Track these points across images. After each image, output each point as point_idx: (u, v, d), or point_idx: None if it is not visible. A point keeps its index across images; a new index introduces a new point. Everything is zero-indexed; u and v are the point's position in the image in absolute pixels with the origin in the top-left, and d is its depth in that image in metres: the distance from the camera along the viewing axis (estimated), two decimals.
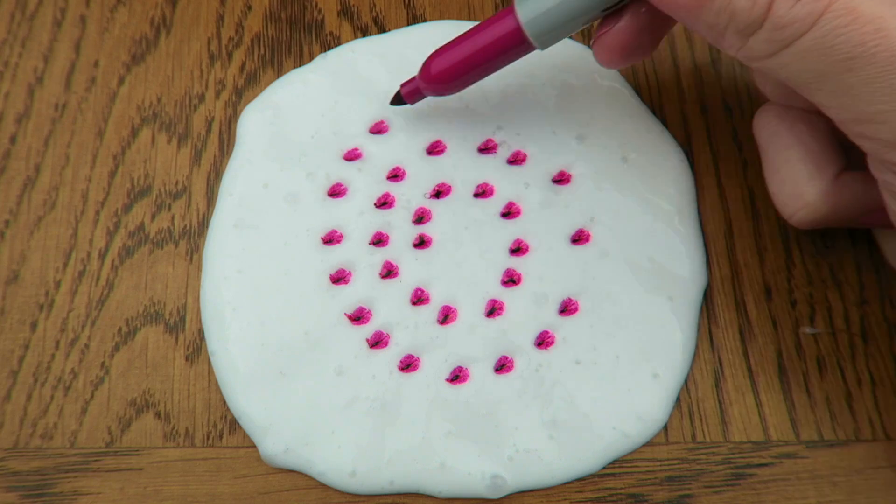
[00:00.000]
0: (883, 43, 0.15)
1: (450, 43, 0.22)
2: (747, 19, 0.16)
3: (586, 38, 0.28)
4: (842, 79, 0.15)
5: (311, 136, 0.26)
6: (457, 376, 0.23)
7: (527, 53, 0.21)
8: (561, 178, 0.25)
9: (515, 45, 0.21)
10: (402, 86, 0.24)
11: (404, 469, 0.22)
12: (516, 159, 0.25)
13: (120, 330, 0.24)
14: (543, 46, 0.21)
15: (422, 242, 0.25)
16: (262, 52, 0.28)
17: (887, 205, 0.18)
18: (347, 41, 0.27)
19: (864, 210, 0.19)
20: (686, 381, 0.23)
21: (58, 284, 0.25)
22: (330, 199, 0.25)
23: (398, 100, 0.24)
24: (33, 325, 0.24)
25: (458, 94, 0.26)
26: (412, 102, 0.24)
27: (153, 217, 0.25)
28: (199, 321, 0.24)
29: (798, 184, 0.20)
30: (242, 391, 0.23)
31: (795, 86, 0.17)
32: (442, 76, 0.22)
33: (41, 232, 0.25)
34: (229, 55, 0.28)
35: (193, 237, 0.25)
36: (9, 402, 0.23)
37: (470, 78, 0.22)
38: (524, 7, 0.20)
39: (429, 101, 0.26)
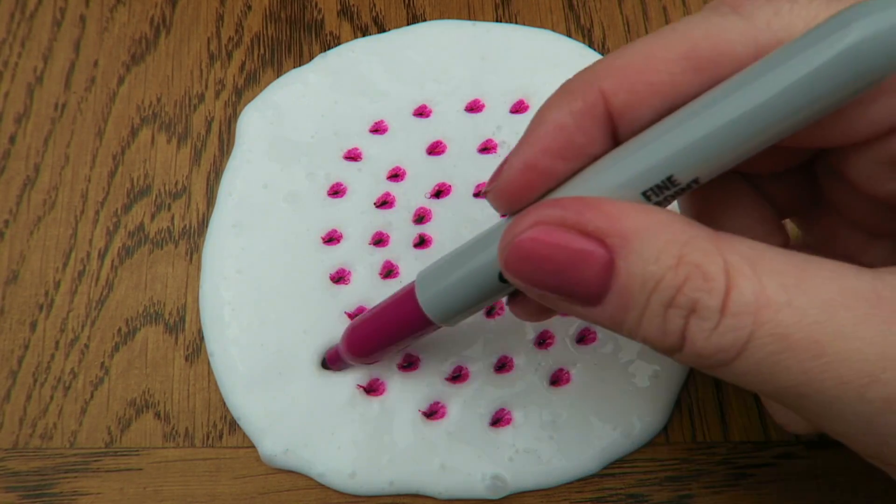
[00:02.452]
0: (828, 371, 0.13)
1: (364, 320, 0.22)
2: (662, 346, 0.14)
3: (587, 38, 0.28)
4: (797, 402, 0.13)
5: (311, 136, 0.26)
6: (457, 376, 0.23)
7: (440, 328, 0.20)
8: None
9: (420, 323, 0.19)
10: (328, 354, 0.23)
11: (404, 470, 0.22)
12: None
13: (120, 330, 0.24)
14: (450, 324, 0.19)
15: (422, 242, 0.25)
16: (262, 51, 0.28)
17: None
18: (347, 41, 0.27)
19: None
20: (686, 381, 0.23)
21: (57, 284, 0.25)
22: (330, 198, 0.25)
23: (325, 365, 0.23)
24: (33, 326, 0.24)
25: (457, 94, 0.26)
26: (336, 370, 0.23)
27: (153, 217, 0.25)
28: (199, 321, 0.24)
29: (789, 414, 0.19)
30: (242, 392, 0.23)
31: None
32: (359, 349, 0.22)
33: (41, 232, 0.25)
34: (229, 55, 0.28)
35: (193, 237, 0.25)
36: (8, 403, 0.23)
37: (385, 352, 0.22)
38: (424, 291, 0.19)
39: (428, 99, 0.26)
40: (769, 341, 0.13)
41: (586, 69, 0.15)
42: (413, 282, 0.19)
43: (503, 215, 0.18)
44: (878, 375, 0.12)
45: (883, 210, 0.16)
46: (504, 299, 0.19)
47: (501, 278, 0.17)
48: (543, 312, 0.19)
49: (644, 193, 0.14)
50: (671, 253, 0.13)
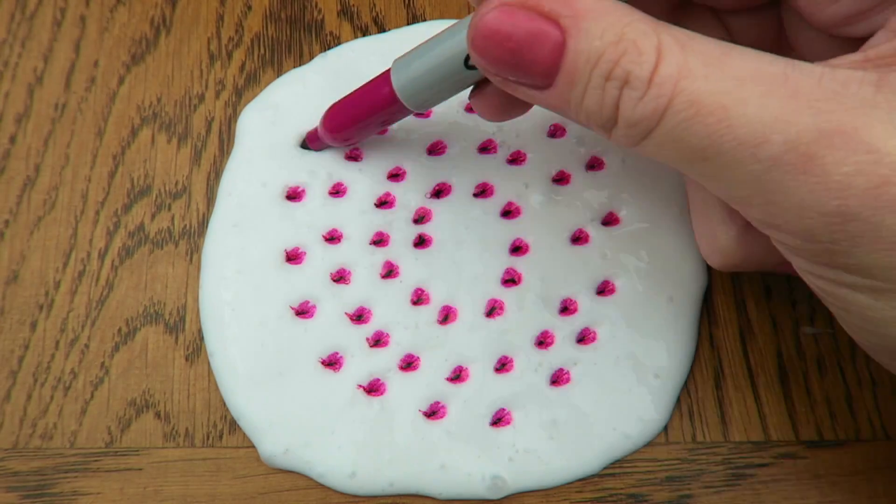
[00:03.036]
0: (728, 133, 0.14)
1: (341, 99, 0.23)
2: (600, 119, 0.16)
3: None
4: (701, 167, 0.15)
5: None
6: (457, 376, 0.23)
7: (409, 114, 0.22)
8: (561, 178, 0.25)
9: (392, 106, 0.22)
10: (308, 134, 0.25)
11: (404, 470, 0.22)
12: (516, 159, 0.25)
13: (120, 330, 0.24)
14: (420, 110, 0.21)
15: (422, 242, 0.25)
16: (262, 52, 0.28)
17: (790, 260, 0.18)
18: (347, 41, 0.27)
19: (779, 260, 0.19)
20: (686, 381, 0.23)
21: (57, 284, 0.25)
22: (330, 198, 0.25)
23: (304, 145, 0.25)
24: (33, 325, 0.24)
25: (457, 96, 0.26)
26: (316, 149, 0.25)
27: (153, 217, 0.25)
28: (199, 321, 0.24)
29: (712, 226, 0.20)
30: (241, 392, 0.23)
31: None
32: (334, 129, 0.24)
33: (41, 232, 0.25)
34: (229, 55, 0.28)
35: (193, 237, 0.25)
36: (8, 403, 0.23)
37: (359, 133, 0.24)
38: (398, 74, 0.21)
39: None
40: (683, 107, 0.14)
41: None
42: (389, 67, 0.21)
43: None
44: (769, 136, 0.14)
45: (836, 49, 0.18)
46: (468, 94, 0.21)
47: (466, 64, 0.19)
48: (503, 110, 0.20)
49: None
50: (613, 31, 0.15)
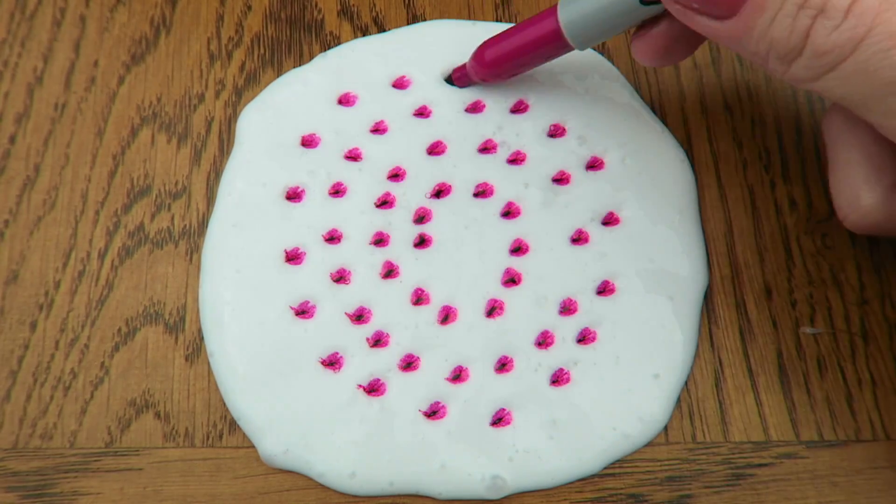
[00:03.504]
0: None
1: (499, 35, 0.24)
2: (786, 47, 0.16)
3: None
4: (888, 102, 0.15)
5: (311, 136, 0.26)
6: (457, 376, 0.23)
7: (568, 52, 0.23)
8: (561, 178, 0.25)
9: (555, 43, 0.22)
10: (455, 70, 0.26)
11: (404, 470, 0.22)
12: (516, 159, 0.25)
13: (120, 330, 0.24)
14: (581, 48, 0.22)
15: (422, 242, 0.25)
16: (262, 51, 0.28)
17: None
18: (347, 41, 0.27)
19: None
20: (686, 382, 0.23)
21: (57, 284, 0.25)
22: (330, 198, 0.25)
23: (450, 80, 0.26)
24: (33, 325, 0.24)
25: (457, 95, 0.26)
26: (461, 86, 0.26)
27: (153, 217, 0.25)
28: (199, 321, 0.24)
29: (855, 187, 0.20)
30: (241, 392, 0.23)
31: (846, 106, 0.17)
32: (490, 64, 0.24)
33: (41, 232, 0.25)
34: (229, 55, 0.28)
35: (193, 237, 0.25)
36: (8, 403, 0.23)
37: (514, 69, 0.24)
38: (565, 10, 0.21)
39: (428, 99, 0.26)
40: (882, 38, 0.14)
41: None
42: (554, 6, 0.22)
43: None
44: None
45: None
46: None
47: (642, 0, 0.19)
48: (665, 53, 0.21)
49: None
50: None
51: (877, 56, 0.15)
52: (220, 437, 0.23)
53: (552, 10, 0.22)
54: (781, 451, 0.23)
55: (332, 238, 0.25)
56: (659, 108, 0.27)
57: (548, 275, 0.24)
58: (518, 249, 0.24)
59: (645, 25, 0.21)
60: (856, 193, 0.20)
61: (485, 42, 0.24)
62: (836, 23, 0.15)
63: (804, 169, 0.26)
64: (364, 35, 0.28)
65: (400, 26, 0.28)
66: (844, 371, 0.23)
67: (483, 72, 0.24)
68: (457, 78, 0.26)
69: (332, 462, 0.22)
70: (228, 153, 0.26)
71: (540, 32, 0.22)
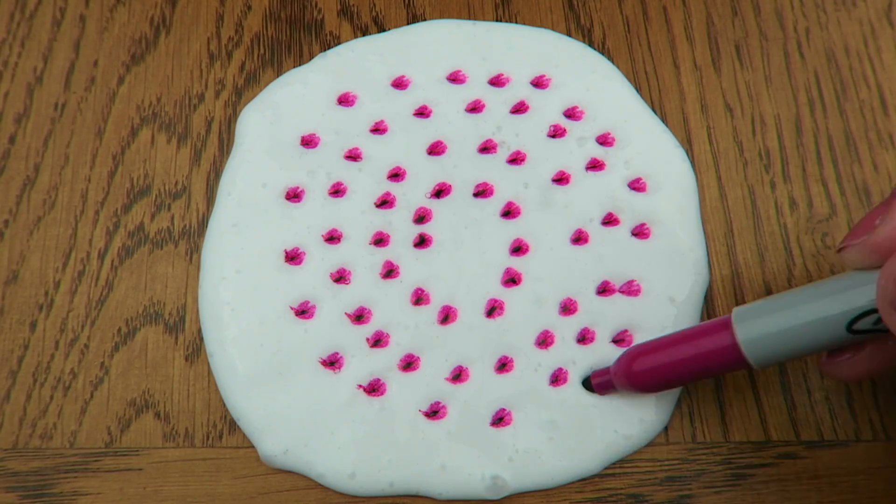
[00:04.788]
0: None
1: (655, 343, 0.21)
2: None
3: (587, 38, 0.28)
4: None
5: (311, 136, 0.26)
6: (457, 376, 0.23)
7: (742, 368, 0.19)
8: (561, 179, 0.25)
9: (732, 362, 0.19)
10: (594, 375, 0.22)
11: (404, 470, 0.22)
12: (516, 159, 0.25)
13: (119, 330, 0.24)
14: (763, 367, 0.19)
15: (422, 242, 0.25)
16: (262, 51, 0.28)
17: None
18: (347, 41, 0.27)
19: None
20: None
21: (57, 284, 0.25)
22: (330, 198, 0.25)
23: (588, 385, 0.23)
24: (33, 326, 0.24)
25: (457, 95, 0.26)
26: (601, 394, 0.22)
27: (153, 217, 0.25)
28: (199, 321, 0.24)
29: None
30: (241, 392, 0.23)
31: None
32: (644, 378, 0.21)
33: (41, 232, 0.25)
34: (229, 55, 0.28)
35: (193, 237, 0.25)
36: (8, 403, 0.23)
37: (671, 384, 0.21)
38: (744, 326, 0.18)
39: (428, 99, 0.26)
40: None
41: None
42: (726, 317, 0.19)
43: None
44: None
45: None
46: (823, 357, 0.19)
47: (851, 328, 0.17)
48: (869, 373, 0.18)
49: None
50: None
51: None
52: (220, 437, 0.23)
53: (724, 326, 0.18)
54: (781, 451, 0.23)
55: (332, 238, 0.25)
56: (659, 108, 0.27)
57: (548, 275, 0.24)
58: (518, 249, 0.24)
59: (846, 348, 0.18)
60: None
61: (636, 352, 0.21)
62: None
63: (804, 169, 0.26)
64: (364, 35, 0.28)
65: (400, 26, 0.28)
66: None
67: (636, 388, 0.21)
68: (598, 386, 0.22)
69: (331, 462, 0.22)
70: (228, 153, 0.26)
71: (711, 350, 0.19)
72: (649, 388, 0.21)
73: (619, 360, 0.21)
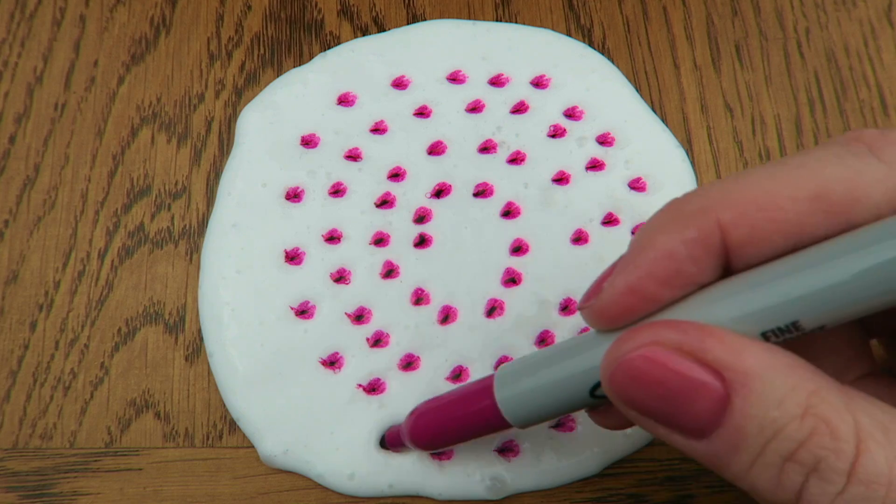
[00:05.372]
0: None
1: (433, 405, 0.21)
2: (772, 499, 0.13)
3: (587, 38, 0.28)
4: None
5: (311, 136, 0.26)
6: (457, 376, 0.23)
7: (510, 427, 0.19)
8: (561, 178, 0.25)
9: (494, 422, 0.19)
10: (388, 434, 0.22)
11: (404, 471, 0.22)
12: (516, 159, 0.25)
13: (119, 330, 0.24)
14: (523, 427, 0.18)
15: (422, 242, 0.25)
16: (262, 51, 0.28)
17: None
18: (347, 41, 0.27)
19: None
20: None
21: (57, 284, 0.25)
22: (330, 198, 0.25)
23: (383, 444, 0.22)
24: (33, 326, 0.24)
25: (457, 95, 0.26)
26: (395, 451, 0.22)
27: (153, 217, 0.25)
28: (199, 321, 0.24)
29: None
30: (241, 392, 0.23)
31: None
32: (424, 442, 0.21)
33: (40, 232, 0.25)
34: (229, 55, 0.28)
35: (193, 237, 0.25)
36: (8, 403, 0.23)
37: (450, 443, 0.21)
38: (503, 388, 0.18)
39: (428, 99, 0.26)
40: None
41: (700, 194, 0.15)
42: (490, 376, 0.19)
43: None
44: None
45: None
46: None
47: (593, 393, 0.16)
48: (628, 424, 0.18)
49: (763, 333, 0.13)
50: (797, 401, 0.12)
51: None
52: (220, 437, 0.23)
53: (487, 388, 0.18)
54: None
55: (332, 238, 0.25)
56: (659, 108, 0.27)
57: (548, 275, 0.24)
58: (518, 249, 0.24)
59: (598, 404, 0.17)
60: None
61: (418, 413, 0.21)
62: (838, 489, 0.12)
63: None
64: (364, 35, 0.28)
65: (400, 26, 0.28)
66: None
67: (419, 446, 0.21)
68: (391, 444, 0.22)
69: (331, 462, 0.22)
70: (228, 153, 0.26)
71: (475, 412, 0.19)
72: (430, 447, 0.21)
73: (408, 419, 0.21)
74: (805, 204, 0.13)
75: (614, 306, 0.15)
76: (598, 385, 0.16)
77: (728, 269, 0.14)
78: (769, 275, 0.13)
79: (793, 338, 0.13)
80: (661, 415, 0.14)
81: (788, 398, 0.12)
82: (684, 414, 0.13)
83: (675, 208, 0.15)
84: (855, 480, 0.12)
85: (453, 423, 0.20)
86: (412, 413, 0.21)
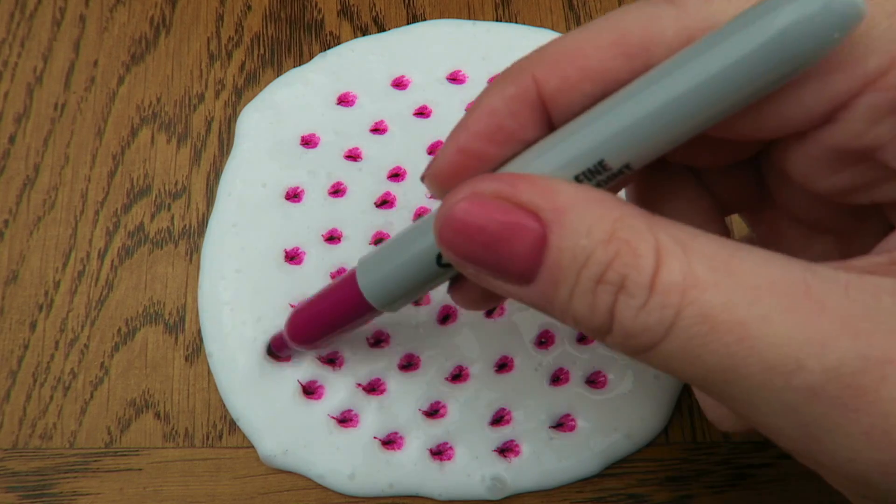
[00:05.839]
0: (752, 356, 0.12)
1: (306, 305, 0.21)
2: (591, 324, 0.14)
3: None
4: (722, 388, 0.13)
5: (311, 136, 0.26)
6: (457, 375, 0.23)
7: (382, 313, 0.20)
8: None
9: (362, 309, 0.19)
10: (273, 340, 0.23)
11: (404, 471, 0.22)
12: None
13: (119, 330, 0.24)
14: (391, 310, 0.19)
15: None
16: (262, 51, 0.28)
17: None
18: (347, 41, 0.27)
19: None
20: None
21: (57, 284, 0.25)
22: (330, 198, 0.25)
23: (271, 351, 0.23)
24: (33, 326, 0.24)
25: (457, 94, 0.26)
26: (283, 358, 0.23)
27: (153, 217, 0.25)
28: (199, 321, 0.24)
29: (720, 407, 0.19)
30: (241, 392, 0.23)
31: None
32: (301, 340, 0.22)
33: (40, 232, 0.25)
34: (229, 55, 0.28)
35: (193, 237, 0.25)
36: (8, 403, 0.23)
37: (332, 338, 0.22)
38: (365, 276, 0.19)
39: (428, 99, 0.26)
40: (695, 321, 0.13)
41: (522, 58, 0.16)
42: (354, 267, 0.19)
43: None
44: (803, 361, 0.12)
45: (824, 206, 0.17)
46: (446, 286, 0.19)
47: (439, 262, 0.17)
48: (484, 299, 0.18)
49: (576, 177, 0.14)
50: (603, 228, 0.13)
51: (694, 342, 0.13)
52: (220, 437, 0.23)
53: (351, 278, 0.19)
54: (781, 450, 0.23)
55: (332, 238, 0.25)
56: None
57: None
58: None
59: (458, 277, 0.18)
60: (722, 414, 0.19)
61: (293, 313, 0.22)
62: (641, 301, 0.13)
63: None
64: (364, 34, 0.28)
65: (400, 26, 0.28)
66: None
67: (297, 345, 0.22)
68: (276, 348, 0.23)
69: (331, 463, 0.22)
70: (228, 153, 0.26)
71: (343, 301, 0.20)
72: (312, 344, 0.22)
73: (287, 320, 0.22)
74: (607, 50, 0.14)
75: (448, 168, 0.16)
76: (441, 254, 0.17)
77: (552, 125, 0.15)
78: (577, 123, 0.15)
79: (605, 178, 0.14)
80: (488, 263, 0.15)
81: (595, 226, 0.13)
82: (508, 258, 0.14)
83: (500, 74, 0.16)
84: (654, 292, 0.13)
85: (325, 316, 0.21)
86: (290, 315, 0.22)
